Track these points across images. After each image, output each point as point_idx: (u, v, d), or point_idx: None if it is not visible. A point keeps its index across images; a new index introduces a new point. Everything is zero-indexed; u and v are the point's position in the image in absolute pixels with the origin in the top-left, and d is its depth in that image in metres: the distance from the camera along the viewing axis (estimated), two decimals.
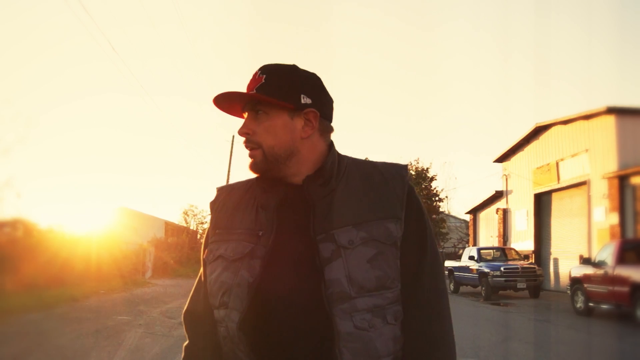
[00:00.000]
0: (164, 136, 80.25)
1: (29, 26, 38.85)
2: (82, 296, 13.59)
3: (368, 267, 1.11)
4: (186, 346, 1.27)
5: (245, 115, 1.20)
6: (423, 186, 43.07)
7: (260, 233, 1.15)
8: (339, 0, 63.73)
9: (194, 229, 42.93)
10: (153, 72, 44.97)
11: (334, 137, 1.26)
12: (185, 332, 1.28)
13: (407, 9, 64.18)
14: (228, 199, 1.26)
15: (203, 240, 1.30)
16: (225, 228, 1.22)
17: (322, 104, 1.21)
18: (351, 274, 1.10)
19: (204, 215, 43.71)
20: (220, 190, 1.31)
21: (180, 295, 15.05)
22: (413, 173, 43.30)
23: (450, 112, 67.61)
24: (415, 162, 43.72)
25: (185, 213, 44.16)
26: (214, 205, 1.28)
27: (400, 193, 1.19)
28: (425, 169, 43.27)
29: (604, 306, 11.26)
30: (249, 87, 1.19)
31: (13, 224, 13.21)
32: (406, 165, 1.23)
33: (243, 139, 1.19)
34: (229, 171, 30.67)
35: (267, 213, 1.17)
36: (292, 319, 1.10)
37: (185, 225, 42.92)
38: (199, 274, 1.30)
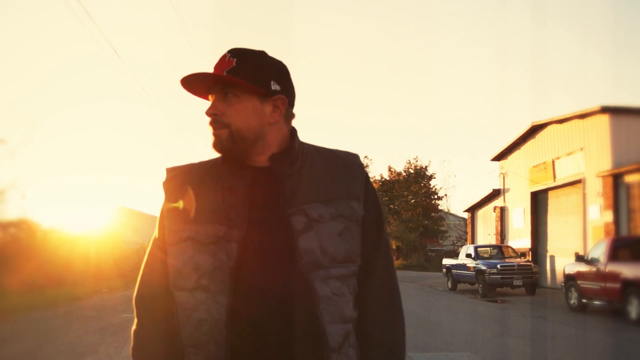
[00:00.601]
0: (165, 137, 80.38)
1: (34, 33, 39.11)
2: (85, 295, 13.84)
3: (338, 240, 1.18)
4: (135, 331, 1.25)
5: (211, 97, 1.22)
6: (422, 184, 43.35)
7: (232, 215, 1.16)
8: (339, 2, 63.93)
9: None
10: (154, 74, 45.30)
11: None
12: (135, 316, 1.26)
13: (409, 12, 64.36)
14: (186, 180, 1.25)
15: (157, 222, 1.27)
16: (188, 209, 1.21)
17: (289, 91, 1.25)
18: (323, 245, 1.16)
19: None
20: (172, 170, 1.29)
21: None
22: (412, 171, 43.58)
23: (448, 111, 67.87)
24: (414, 160, 44.04)
25: None
26: (168, 185, 1.26)
27: (360, 178, 1.26)
28: (424, 167, 43.56)
29: (597, 302, 11.53)
30: (217, 68, 1.21)
31: (18, 225, 13.46)
32: (358, 154, 1.32)
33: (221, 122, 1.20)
34: None
35: (237, 196, 1.18)
36: (274, 294, 1.13)
37: None
38: (147, 256, 1.28)
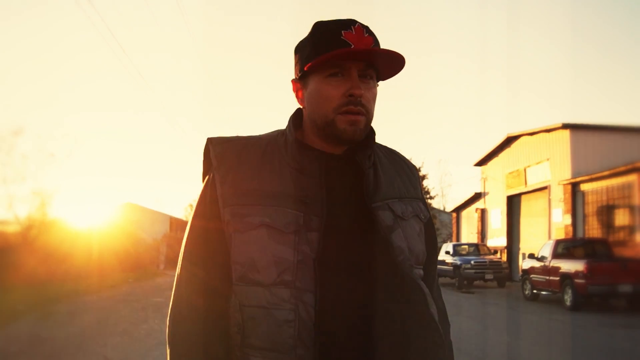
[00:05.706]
0: (168, 137, 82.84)
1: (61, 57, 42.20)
2: (117, 284, 16.24)
3: (418, 240, 1.12)
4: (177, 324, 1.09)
5: (353, 74, 1.03)
6: None
7: (308, 201, 1.03)
8: (329, 4, 66.00)
9: None
10: (163, 76, 47.65)
11: None
12: (171, 306, 1.11)
13: (408, 23, 66.47)
14: (243, 156, 1.07)
15: (206, 200, 1.07)
16: (253, 190, 1.04)
17: None
18: (409, 244, 1.09)
19: None
20: (222, 142, 1.10)
21: None
22: None
23: (441, 119, 70.28)
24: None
25: (191, 207, 46.54)
26: (222, 159, 1.07)
27: (419, 181, 1.24)
28: (417, 168, 45.91)
29: (544, 292, 13.89)
30: (360, 43, 1.02)
31: (54, 224, 15.81)
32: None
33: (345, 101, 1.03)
34: None
35: (312, 179, 1.05)
36: (365, 288, 1.02)
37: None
38: (186, 240, 1.09)
